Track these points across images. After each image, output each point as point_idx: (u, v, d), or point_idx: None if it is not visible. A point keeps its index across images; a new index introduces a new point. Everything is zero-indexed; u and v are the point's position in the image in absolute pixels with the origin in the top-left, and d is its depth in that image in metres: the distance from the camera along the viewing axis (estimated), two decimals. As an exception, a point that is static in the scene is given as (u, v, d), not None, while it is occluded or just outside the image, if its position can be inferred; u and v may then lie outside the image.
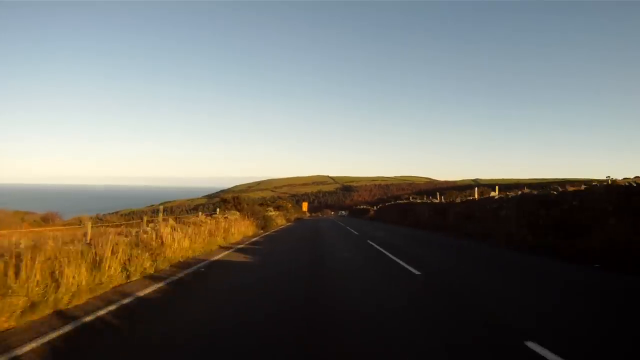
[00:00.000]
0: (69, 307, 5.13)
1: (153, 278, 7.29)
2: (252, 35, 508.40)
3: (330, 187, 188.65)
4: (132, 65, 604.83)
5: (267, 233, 20.50)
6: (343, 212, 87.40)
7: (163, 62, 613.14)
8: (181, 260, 9.48)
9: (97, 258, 6.48)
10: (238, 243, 14.56)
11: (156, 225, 10.37)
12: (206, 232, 12.58)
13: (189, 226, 12.01)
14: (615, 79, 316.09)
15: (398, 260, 9.61)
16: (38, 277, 5.04)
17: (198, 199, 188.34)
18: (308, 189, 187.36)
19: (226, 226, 15.15)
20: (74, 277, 5.53)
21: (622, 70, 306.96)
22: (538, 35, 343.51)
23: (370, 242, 14.68)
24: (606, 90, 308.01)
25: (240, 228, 17.17)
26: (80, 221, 16.88)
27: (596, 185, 11.66)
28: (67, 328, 4.28)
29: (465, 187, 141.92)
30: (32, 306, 4.71)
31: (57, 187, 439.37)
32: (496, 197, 17.13)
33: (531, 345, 3.63)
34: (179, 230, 10.45)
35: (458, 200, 24.29)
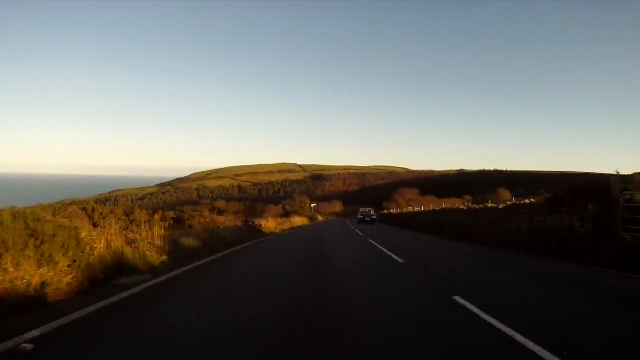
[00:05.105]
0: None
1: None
2: (214, 15, 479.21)
3: (299, 176, 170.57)
4: (79, 47, 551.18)
5: None
6: (369, 213, 40.27)
7: (113, 46, 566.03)
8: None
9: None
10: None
11: None
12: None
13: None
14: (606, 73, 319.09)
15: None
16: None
17: (149, 187, 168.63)
18: (273, 178, 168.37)
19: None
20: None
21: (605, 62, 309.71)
22: (524, 22, 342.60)
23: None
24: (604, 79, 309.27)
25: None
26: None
27: None
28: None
29: (452, 177, 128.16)
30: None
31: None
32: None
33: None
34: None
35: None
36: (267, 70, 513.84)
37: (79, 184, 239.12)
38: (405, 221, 34.05)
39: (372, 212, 41.65)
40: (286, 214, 43.28)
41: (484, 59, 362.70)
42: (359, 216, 39.53)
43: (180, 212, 20.48)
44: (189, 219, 18.73)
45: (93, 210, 55.37)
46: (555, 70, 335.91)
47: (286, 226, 26.56)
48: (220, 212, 24.84)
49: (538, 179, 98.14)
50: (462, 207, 22.99)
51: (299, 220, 37.21)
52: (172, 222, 18.98)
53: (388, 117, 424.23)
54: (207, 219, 18.12)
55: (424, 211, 34.12)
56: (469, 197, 69.57)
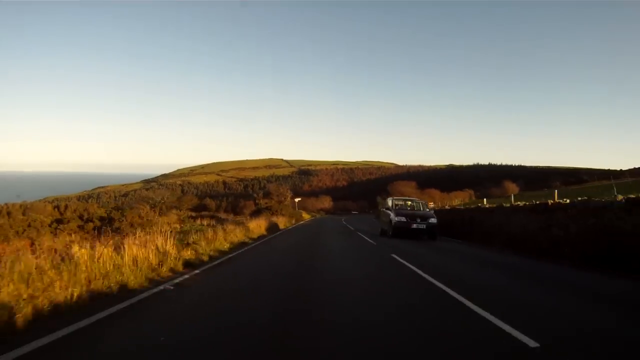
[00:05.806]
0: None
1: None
2: (200, 12, 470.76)
3: (285, 171, 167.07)
4: (58, 41, 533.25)
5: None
6: (420, 211, 17.13)
7: (100, 43, 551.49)
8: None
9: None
10: None
11: None
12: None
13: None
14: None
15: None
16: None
17: (134, 184, 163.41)
18: (259, 173, 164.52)
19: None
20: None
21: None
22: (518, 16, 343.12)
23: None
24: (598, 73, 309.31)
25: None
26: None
27: None
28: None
29: (443, 171, 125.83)
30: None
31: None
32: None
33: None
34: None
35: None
36: (255, 66, 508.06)
37: (69, 180, 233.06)
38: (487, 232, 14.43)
39: (428, 210, 18.34)
40: (257, 212, 32.23)
41: (477, 56, 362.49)
42: (396, 218, 15.60)
43: (110, 211, 16.22)
44: (119, 219, 14.62)
45: (66, 207, 51.11)
46: (550, 67, 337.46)
47: (202, 251, 8.50)
48: (170, 209, 20.62)
49: (534, 174, 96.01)
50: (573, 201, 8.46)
51: (257, 226, 17.14)
52: (98, 224, 14.72)
53: (375, 112, 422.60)
54: (144, 219, 14.01)
55: (485, 208, 17.25)
56: (471, 191, 67.15)
